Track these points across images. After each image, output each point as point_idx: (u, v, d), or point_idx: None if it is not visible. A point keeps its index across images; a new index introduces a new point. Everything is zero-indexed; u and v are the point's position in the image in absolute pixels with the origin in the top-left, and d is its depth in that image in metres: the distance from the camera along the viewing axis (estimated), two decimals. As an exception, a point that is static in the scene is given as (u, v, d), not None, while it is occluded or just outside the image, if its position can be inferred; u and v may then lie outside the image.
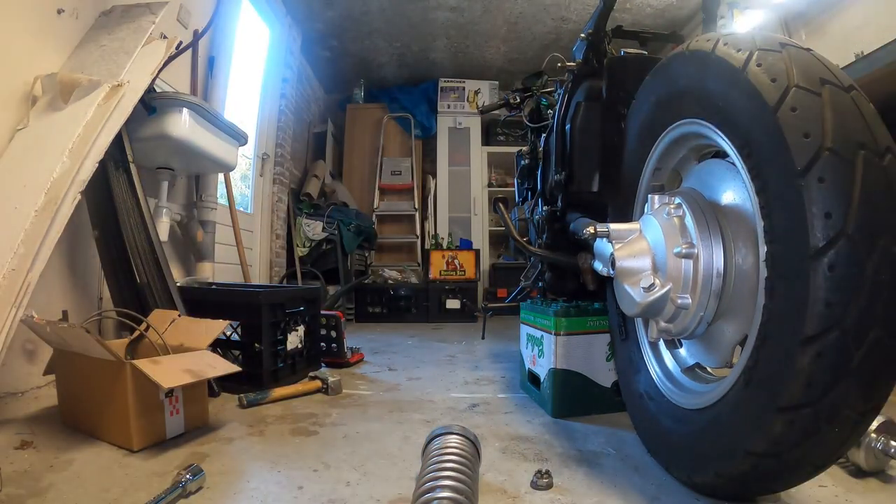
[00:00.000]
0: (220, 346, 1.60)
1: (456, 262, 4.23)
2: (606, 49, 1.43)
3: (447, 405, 1.46)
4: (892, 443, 0.88)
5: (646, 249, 0.90)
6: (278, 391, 1.48)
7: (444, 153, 4.87)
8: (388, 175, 4.68)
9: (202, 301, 1.68)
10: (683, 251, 0.83)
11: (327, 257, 3.75)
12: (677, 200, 0.88)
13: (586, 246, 1.31)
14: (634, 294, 0.89)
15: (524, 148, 2.27)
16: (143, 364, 1.02)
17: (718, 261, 0.82)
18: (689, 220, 0.85)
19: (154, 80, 1.61)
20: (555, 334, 1.35)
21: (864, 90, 0.66)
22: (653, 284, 0.86)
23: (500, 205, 2.02)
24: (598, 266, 1.07)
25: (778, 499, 0.84)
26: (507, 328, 3.31)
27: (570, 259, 1.38)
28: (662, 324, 0.90)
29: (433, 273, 4.18)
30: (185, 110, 1.71)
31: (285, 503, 0.83)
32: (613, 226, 0.95)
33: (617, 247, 0.93)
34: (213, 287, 2.06)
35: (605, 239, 0.97)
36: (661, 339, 1.03)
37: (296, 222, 3.80)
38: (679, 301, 0.84)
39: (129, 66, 1.51)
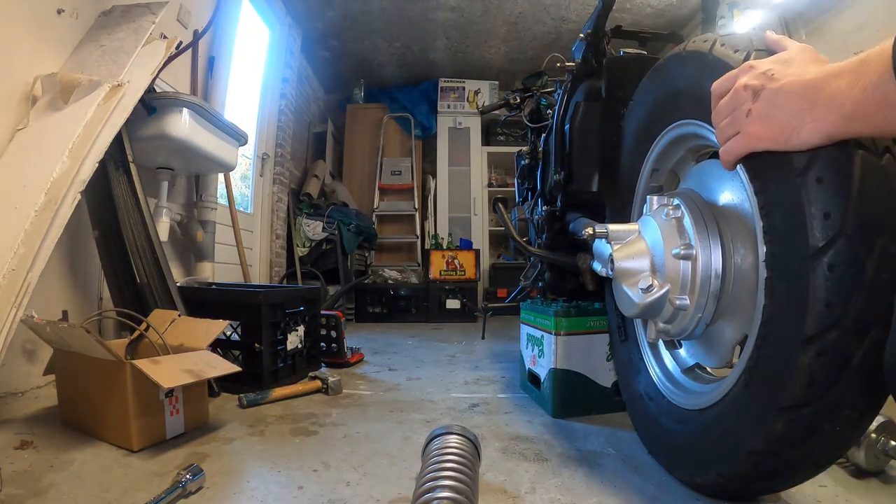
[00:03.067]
0: (220, 346, 1.60)
1: (456, 262, 4.23)
2: (606, 49, 1.43)
3: (447, 405, 1.46)
4: (892, 443, 0.88)
5: (644, 250, 0.90)
6: (278, 391, 1.48)
7: (444, 153, 4.87)
8: (388, 175, 4.68)
9: (202, 301, 1.68)
10: (682, 252, 0.83)
11: (327, 257, 3.75)
12: (675, 201, 0.88)
13: (585, 246, 1.31)
14: (633, 295, 0.89)
15: (524, 148, 2.27)
16: (143, 364, 1.02)
17: (717, 262, 0.82)
18: (687, 221, 0.85)
19: (154, 80, 1.61)
20: (555, 334, 1.35)
21: (863, 90, 0.66)
22: (651, 286, 0.86)
23: (500, 205, 2.02)
24: (597, 267, 1.07)
25: (778, 498, 0.84)
26: (507, 328, 3.31)
27: (569, 259, 1.38)
28: (661, 325, 0.90)
29: (433, 273, 4.18)
30: (185, 110, 1.71)
31: (285, 503, 0.84)
32: (612, 227, 0.95)
33: (615, 247, 0.93)
34: (213, 287, 2.06)
35: (603, 240, 0.97)
36: (661, 340, 1.03)
37: (296, 222, 3.80)
38: (677, 302, 0.84)
39: (129, 66, 1.51)
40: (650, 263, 0.89)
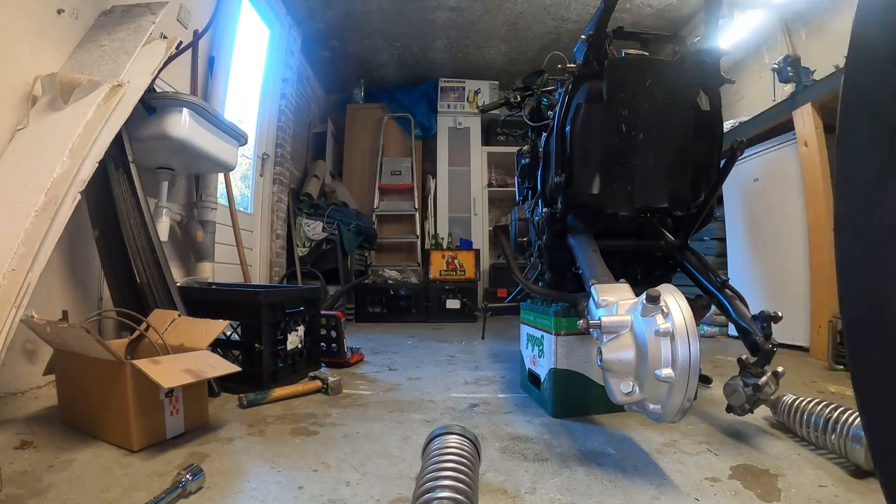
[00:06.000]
0: (220, 346, 1.60)
1: (456, 262, 4.23)
2: (607, 50, 1.43)
3: (447, 405, 1.46)
4: (893, 443, 0.88)
5: (631, 356, 0.90)
6: (278, 391, 1.48)
7: (444, 153, 4.87)
8: (388, 175, 4.68)
9: (202, 301, 1.68)
10: (663, 376, 0.82)
11: (327, 257, 3.75)
12: (668, 321, 0.84)
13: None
14: (615, 390, 0.92)
15: (525, 147, 2.27)
16: (143, 364, 1.02)
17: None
18: (677, 347, 0.82)
19: (154, 80, 1.61)
20: (555, 334, 1.35)
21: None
22: (631, 392, 0.89)
23: (502, 235, 2.02)
24: (594, 315, 1.06)
25: (779, 498, 0.84)
26: (507, 328, 3.31)
27: (569, 298, 1.38)
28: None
29: (433, 273, 4.18)
30: (185, 110, 1.71)
31: (285, 503, 0.84)
32: (605, 319, 0.93)
33: (605, 340, 0.93)
34: (213, 287, 2.06)
35: (597, 328, 0.95)
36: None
37: (296, 222, 3.80)
38: (651, 406, 0.88)
39: (129, 66, 1.51)
40: (635, 367, 0.89)
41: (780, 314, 1.15)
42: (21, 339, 1.39)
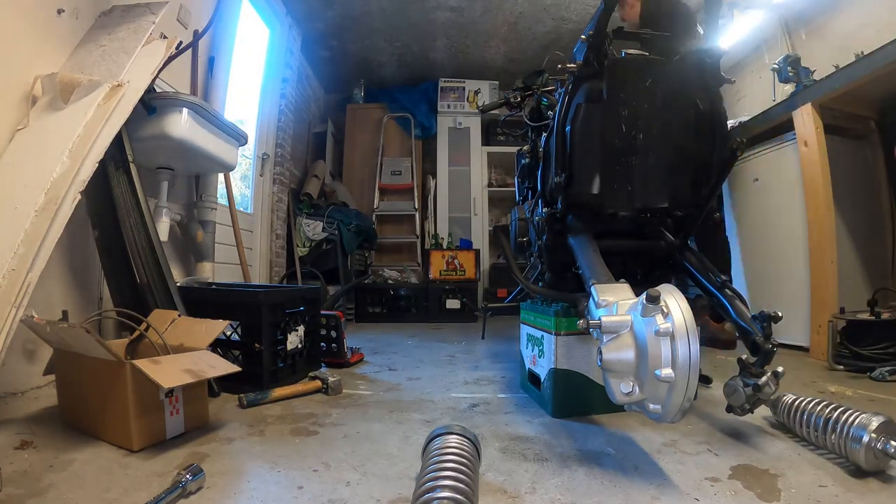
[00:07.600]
0: (220, 346, 1.60)
1: (456, 262, 4.23)
2: (607, 50, 1.42)
3: (447, 405, 1.46)
4: (893, 443, 0.88)
5: (631, 356, 0.89)
6: (278, 391, 1.48)
7: (444, 153, 4.87)
8: (388, 175, 4.68)
9: (202, 301, 1.68)
10: (663, 376, 0.82)
11: (327, 257, 3.75)
12: (668, 321, 0.84)
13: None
14: (615, 390, 0.91)
15: (525, 147, 2.27)
16: (143, 364, 1.02)
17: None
18: (677, 347, 0.82)
19: (154, 80, 1.61)
20: (555, 334, 1.35)
21: (863, 90, 0.62)
22: (631, 392, 0.89)
23: (502, 235, 2.02)
24: (594, 315, 1.06)
25: (779, 498, 0.84)
26: (507, 328, 3.31)
27: (569, 298, 1.38)
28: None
29: (433, 273, 4.18)
30: (184, 110, 1.71)
31: (285, 503, 0.84)
32: (605, 319, 0.93)
33: (605, 340, 0.92)
34: (213, 287, 2.06)
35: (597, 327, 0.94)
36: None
37: (296, 222, 3.80)
38: (651, 407, 0.87)
39: (129, 66, 1.51)
40: (635, 367, 0.89)
41: (780, 314, 1.15)
42: (21, 339, 1.39)
